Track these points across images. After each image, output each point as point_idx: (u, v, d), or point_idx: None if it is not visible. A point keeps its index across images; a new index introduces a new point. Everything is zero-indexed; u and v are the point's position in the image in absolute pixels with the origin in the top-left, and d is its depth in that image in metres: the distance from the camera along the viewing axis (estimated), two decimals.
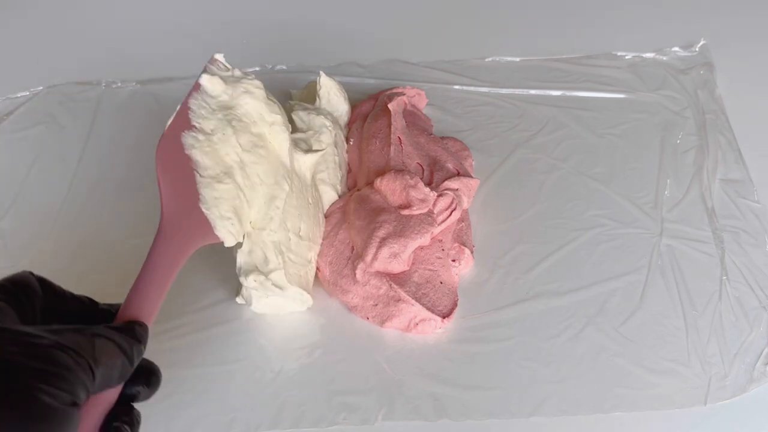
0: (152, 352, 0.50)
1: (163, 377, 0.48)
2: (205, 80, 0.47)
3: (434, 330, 0.50)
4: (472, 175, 0.57)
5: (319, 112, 0.57)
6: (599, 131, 0.62)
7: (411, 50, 0.71)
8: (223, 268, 0.54)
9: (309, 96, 0.63)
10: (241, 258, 0.48)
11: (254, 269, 0.48)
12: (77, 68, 0.71)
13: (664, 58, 0.68)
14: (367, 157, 0.57)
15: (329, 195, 0.55)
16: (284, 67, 0.70)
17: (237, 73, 0.49)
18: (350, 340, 0.50)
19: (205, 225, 0.44)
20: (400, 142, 0.57)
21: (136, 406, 0.36)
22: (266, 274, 0.48)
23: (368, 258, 0.50)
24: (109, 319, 0.38)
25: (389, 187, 0.53)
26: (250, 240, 0.47)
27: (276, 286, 0.48)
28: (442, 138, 0.61)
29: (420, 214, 0.52)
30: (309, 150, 0.53)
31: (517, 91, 0.66)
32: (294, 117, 0.56)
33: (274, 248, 0.48)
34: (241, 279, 0.48)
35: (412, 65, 0.69)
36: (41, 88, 0.69)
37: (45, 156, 0.63)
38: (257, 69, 0.70)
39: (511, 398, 0.47)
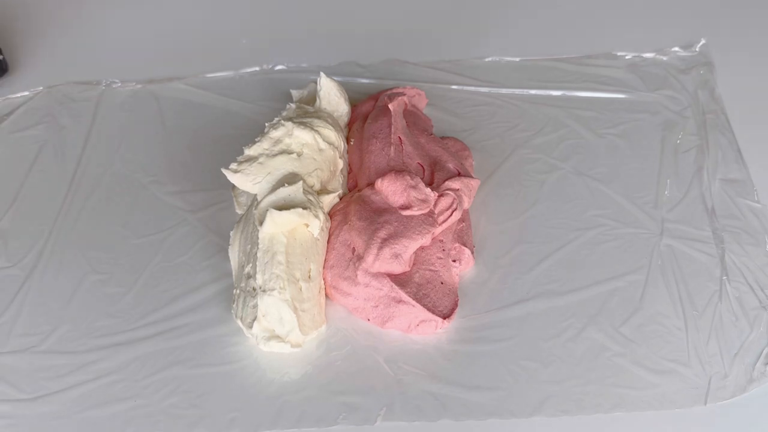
0: (153, 352, 0.50)
1: (164, 377, 0.49)
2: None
3: (435, 330, 0.50)
4: (473, 175, 0.57)
5: (319, 113, 0.57)
6: (599, 131, 0.62)
7: (411, 50, 0.71)
8: (223, 267, 0.54)
9: (309, 96, 0.63)
10: (258, 327, 0.48)
11: (272, 335, 0.48)
12: (77, 68, 0.71)
13: (664, 58, 0.68)
14: (367, 158, 0.57)
15: (330, 197, 0.55)
16: (284, 67, 0.70)
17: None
18: (350, 339, 0.50)
19: None
20: (401, 143, 0.57)
21: None
22: (284, 338, 0.48)
23: (369, 259, 0.50)
24: None
25: (390, 188, 0.53)
26: (264, 303, 0.48)
27: (294, 346, 0.49)
28: (442, 138, 0.61)
29: (421, 214, 0.52)
30: (322, 191, 0.53)
31: (517, 91, 0.66)
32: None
33: (288, 306, 0.48)
34: (261, 346, 0.49)
35: (412, 65, 0.69)
36: (41, 88, 0.69)
37: (45, 156, 0.63)
38: (257, 69, 0.70)
39: (511, 398, 0.47)
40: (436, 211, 0.53)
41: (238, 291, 0.50)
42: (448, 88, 0.67)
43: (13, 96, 0.68)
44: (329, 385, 0.48)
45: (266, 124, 0.55)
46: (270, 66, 0.70)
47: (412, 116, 0.61)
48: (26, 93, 0.69)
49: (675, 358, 0.48)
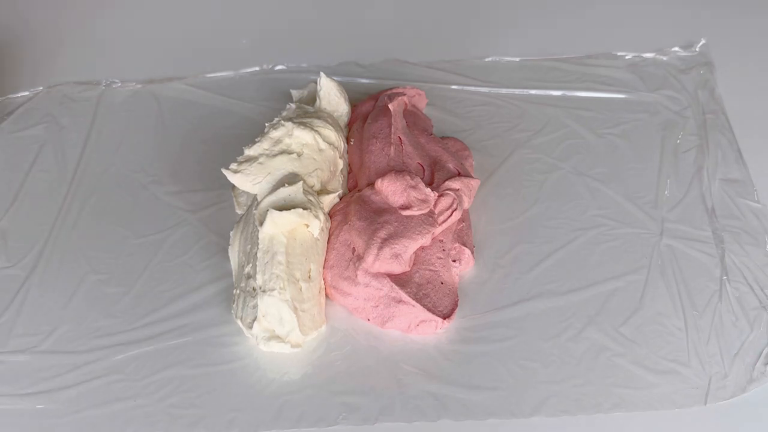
0: (153, 352, 0.50)
1: (164, 377, 0.49)
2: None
3: (435, 330, 0.50)
4: (473, 175, 0.57)
5: (319, 113, 0.57)
6: (599, 131, 0.62)
7: (411, 50, 0.71)
8: (223, 267, 0.54)
9: (309, 97, 0.63)
10: (258, 327, 0.48)
11: (272, 335, 0.48)
12: (77, 68, 0.71)
13: (664, 58, 0.68)
14: (367, 158, 0.57)
15: (331, 197, 0.55)
16: (284, 67, 0.70)
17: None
18: (350, 339, 0.50)
19: None
20: (401, 142, 0.57)
21: None
22: (284, 338, 0.48)
23: (369, 259, 0.50)
24: None
25: (390, 188, 0.53)
26: (264, 303, 0.48)
27: (294, 346, 0.49)
28: (442, 138, 0.61)
29: (421, 214, 0.52)
30: (322, 191, 0.53)
31: (517, 91, 0.66)
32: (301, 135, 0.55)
33: (288, 306, 0.48)
34: (261, 346, 0.49)
35: (412, 65, 0.69)
36: (41, 88, 0.69)
37: (45, 156, 0.63)
38: (257, 69, 0.70)
39: (511, 398, 0.47)
40: (436, 211, 0.53)
41: (238, 291, 0.50)
42: (448, 88, 0.67)
43: (13, 96, 0.68)
44: (329, 385, 0.48)
45: (266, 124, 0.55)
46: (270, 66, 0.70)
47: (412, 116, 0.61)
48: (26, 93, 0.69)
49: (675, 358, 0.48)
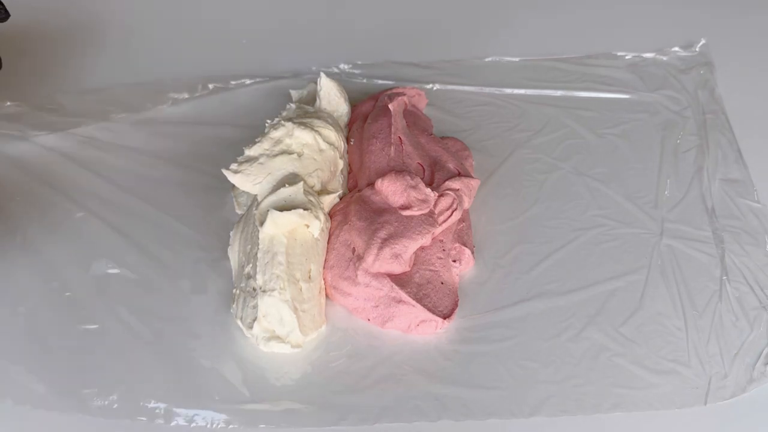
0: (152, 351, 0.50)
1: (164, 377, 0.49)
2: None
3: (435, 330, 0.50)
4: (473, 175, 0.57)
5: (319, 113, 0.57)
6: (599, 131, 0.62)
7: (411, 50, 0.71)
8: (223, 267, 0.54)
9: (309, 97, 0.63)
10: (258, 327, 0.48)
11: (272, 336, 0.48)
12: (78, 72, 0.71)
13: (664, 58, 0.68)
14: (367, 158, 0.57)
15: (331, 197, 0.55)
16: (283, 68, 0.70)
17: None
18: (350, 339, 0.50)
19: None
20: (401, 143, 0.57)
21: None
22: (284, 339, 0.48)
23: (369, 259, 0.50)
24: None
25: (390, 188, 0.53)
26: (264, 303, 0.48)
27: (294, 346, 0.49)
28: (442, 138, 0.61)
29: (421, 214, 0.52)
30: (322, 191, 0.53)
31: (517, 91, 0.66)
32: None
33: (288, 307, 0.48)
34: (261, 346, 0.49)
35: (412, 65, 0.69)
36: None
37: (47, 157, 0.63)
38: (256, 69, 0.69)
39: (511, 398, 0.47)
40: (436, 211, 0.53)
41: (238, 291, 0.50)
42: (448, 88, 0.67)
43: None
44: (329, 385, 0.48)
45: (266, 124, 0.55)
46: (269, 67, 0.70)
47: (412, 116, 0.62)
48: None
49: (675, 358, 0.48)
